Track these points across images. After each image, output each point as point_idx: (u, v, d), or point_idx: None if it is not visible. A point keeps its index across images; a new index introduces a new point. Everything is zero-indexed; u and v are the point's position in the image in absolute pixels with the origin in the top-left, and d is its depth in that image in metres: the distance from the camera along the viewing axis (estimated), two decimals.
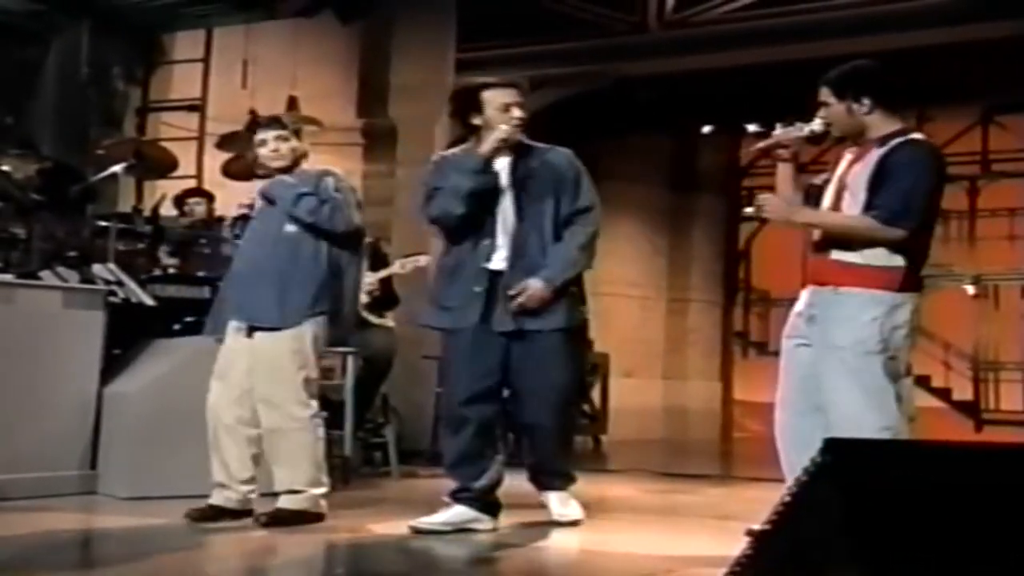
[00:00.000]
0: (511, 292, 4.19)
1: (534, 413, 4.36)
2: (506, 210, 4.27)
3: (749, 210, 3.50)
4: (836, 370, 3.38)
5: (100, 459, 5.05)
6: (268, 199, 4.37)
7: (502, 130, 4.18)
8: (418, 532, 4.20)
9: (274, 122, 4.49)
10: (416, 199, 4.45)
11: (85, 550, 4.09)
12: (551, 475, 4.60)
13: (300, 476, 4.27)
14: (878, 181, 3.38)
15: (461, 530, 4.23)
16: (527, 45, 10.11)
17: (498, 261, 4.25)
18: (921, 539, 1.88)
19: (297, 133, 4.47)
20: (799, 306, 3.59)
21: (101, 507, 4.78)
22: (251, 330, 4.28)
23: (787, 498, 1.95)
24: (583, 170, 4.42)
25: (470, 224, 4.25)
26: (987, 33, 8.97)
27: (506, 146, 4.23)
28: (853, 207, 3.43)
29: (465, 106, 4.30)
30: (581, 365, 4.54)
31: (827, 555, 1.92)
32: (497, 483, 4.35)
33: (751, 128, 13.69)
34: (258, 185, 4.53)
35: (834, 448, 1.87)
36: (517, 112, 4.23)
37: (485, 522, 4.32)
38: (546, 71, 10.16)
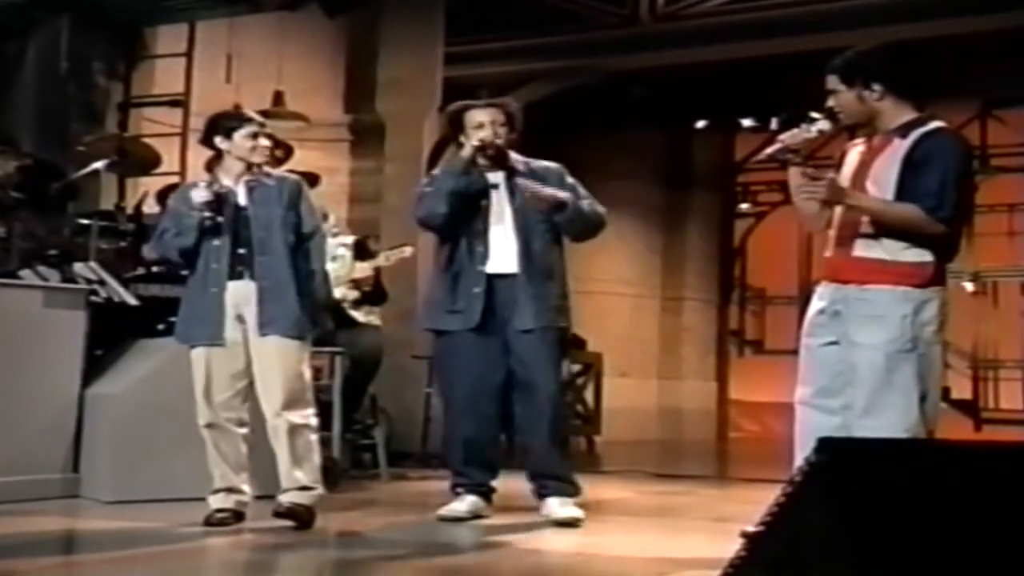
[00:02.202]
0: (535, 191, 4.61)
1: (538, 408, 4.66)
2: (502, 217, 4.68)
3: (803, 193, 3.39)
4: (863, 368, 3.35)
5: (82, 462, 5.05)
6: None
7: (474, 140, 4.65)
8: (443, 520, 4.63)
9: (258, 122, 4.49)
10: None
11: (68, 555, 4.09)
12: (552, 479, 4.70)
13: (312, 474, 4.36)
14: (908, 173, 3.34)
15: (476, 516, 4.69)
16: (516, 39, 10.13)
17: (495, 265, 4.65)
18: (917, 540, 1.89)
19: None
20: (819, 304, 3.53)
21: (84, 511, 4.78)
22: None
23: (781, 498, 1.96)
24: (575, 181, 4.82)
25: (458, 226, 4.68)
26: (985, 25, 9.01)
27: (485, 155, 4.65)
28: None
29: (452, 128, 4.83)
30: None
31: (822, 556, 1.94)
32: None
33: (746, 123, 13.82)
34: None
35: (829, 448, 1.88)
36: (488, 129, 4.67)
37: (487, 509, 4.75)
38: (536, 65, 10.19)
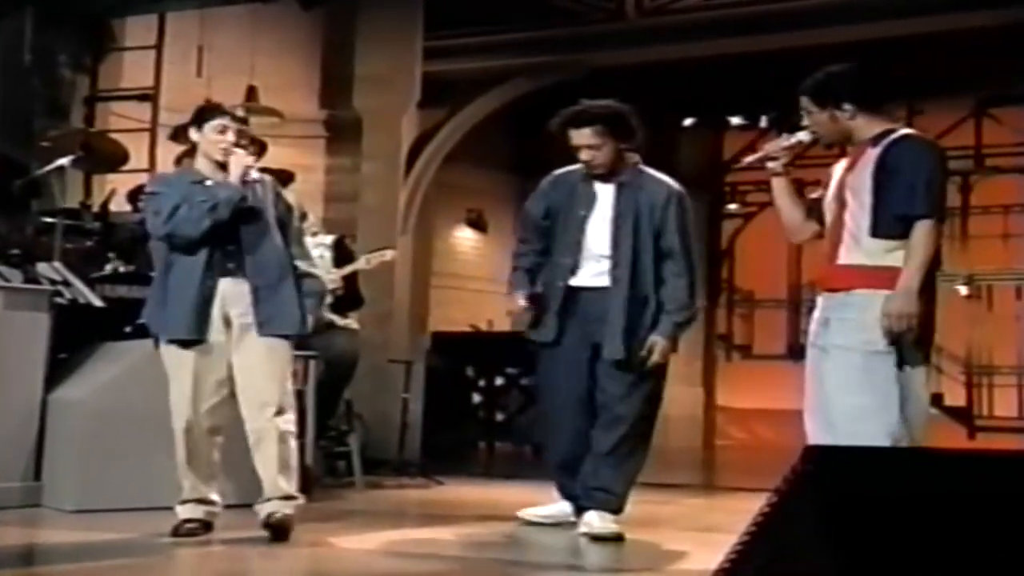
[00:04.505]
0: (643, 353, 4.58)
1: (611, 422, 4.62)
2: (600, 231, 4.65)
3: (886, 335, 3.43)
4: (843, 370, 3.47)
5: (45, 470, 5.02)
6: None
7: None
8: (527, 523, 4.78)
9: (242, 120, 4.44)
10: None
11: (29, 567, 4.06)
12: (598, 490, 4.62)
13: (295, 482, 4.34)
14: (881, 178, 3.50)
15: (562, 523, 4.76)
16: (498, 33, 10.14)
17: (583, 278, 4.64)
18: (906, 550, 1.90)
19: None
20: (815, 313, 3.70)
21: (46, 521, 4.75)
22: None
23: (767, 508, 1.97)
24: (675, 206, 4.72)
25: (553, 240, 4.73)
26: (980, 21, 9.06)
27: (593, 174, 4.67)
28: (857, 210, 3.53)
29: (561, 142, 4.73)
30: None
31: (809, 567, 1.95)
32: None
33: (734, 121, 13.82)
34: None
35: (815, 455, 1.89)
36: (584, 154, 4.64)
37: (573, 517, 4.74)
38: (518, 61, 10.19)
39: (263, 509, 4.27)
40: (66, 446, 4.96)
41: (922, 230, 3.45)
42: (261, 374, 4.27)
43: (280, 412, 4.27)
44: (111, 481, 4.83)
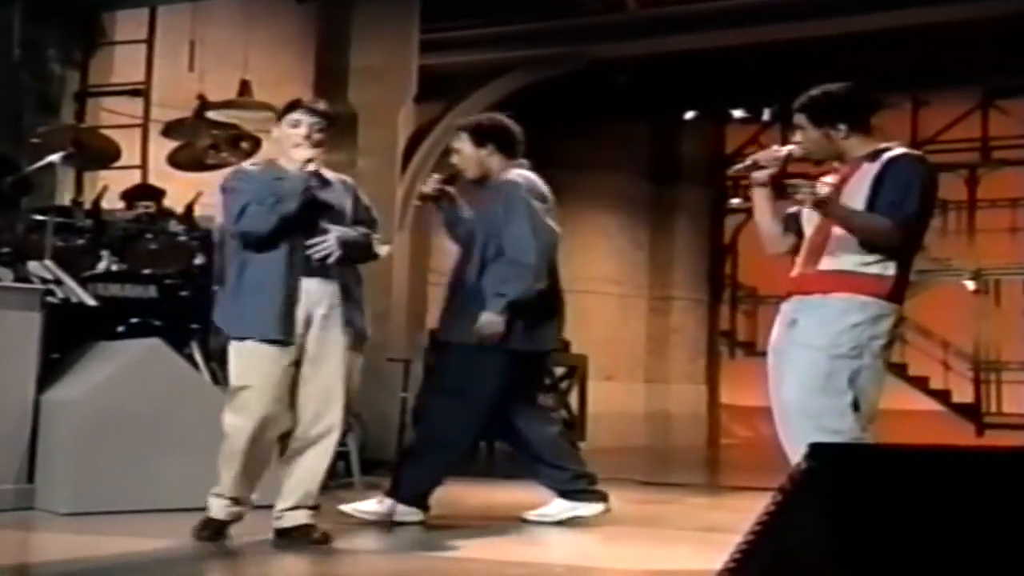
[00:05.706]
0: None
1: None
2: None
3: (801, 194, 3.65)
4: (806, 369, 3.57)
5: (38, 472, 5.03)
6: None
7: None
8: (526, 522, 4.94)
9: (322, 115, 4.37)
10: None
11: (21, 572, 4.08)
12: None
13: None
14: (878, 190, 3.62)
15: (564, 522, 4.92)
16: (495, 25, 10.14)
17: None
18: (912, 549, 1.91)
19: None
20: (780, 317, 3.79)
21: (39, 524, 4.76)
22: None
23: (771, 507, 1.98)
24: (509, 206, 4.95)
25: None
26: (987, 11, 9.07)
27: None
28: None
29: None
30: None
31: (813, 566, 1.96)
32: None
33: (736, 114, 13.83)
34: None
35: (820, 454, 1.91)
36: (453, 156, 5.20)
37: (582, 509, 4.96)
38: (516, 53, 10.21)
39: (300, 518, 4.21)
40: (59, 447, 4.97)
41: (890, 227, 3.56)
42: (337, 380, 4.21)
43: (341, 425, 4.24)
44: (105, 483, 4.84)
